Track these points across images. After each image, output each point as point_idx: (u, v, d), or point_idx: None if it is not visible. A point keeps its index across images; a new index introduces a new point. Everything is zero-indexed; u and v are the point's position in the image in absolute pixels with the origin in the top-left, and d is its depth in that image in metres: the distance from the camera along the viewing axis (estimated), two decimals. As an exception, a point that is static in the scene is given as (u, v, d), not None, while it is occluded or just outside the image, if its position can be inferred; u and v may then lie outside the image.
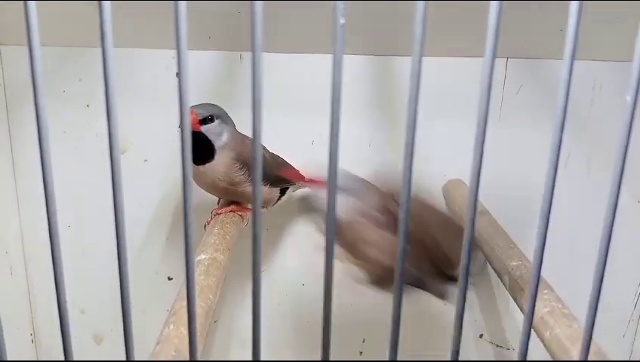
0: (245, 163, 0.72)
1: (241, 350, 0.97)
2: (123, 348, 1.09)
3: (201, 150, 0.69)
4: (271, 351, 0.95)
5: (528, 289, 0.43)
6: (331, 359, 0.38)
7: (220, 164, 0.70)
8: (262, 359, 0.37)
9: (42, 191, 0.99)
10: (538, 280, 0.38)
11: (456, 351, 0.40)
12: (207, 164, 0.70)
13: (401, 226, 0.36)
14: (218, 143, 0.70)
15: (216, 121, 0.70)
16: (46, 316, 0.94)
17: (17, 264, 0.90)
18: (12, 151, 0.86)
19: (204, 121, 0.69)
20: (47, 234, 0.94)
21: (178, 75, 0.90)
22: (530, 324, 0.39)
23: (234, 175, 0.71)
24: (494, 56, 0.34)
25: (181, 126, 0.34)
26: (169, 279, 0.93)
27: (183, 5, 0.32)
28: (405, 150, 0.36)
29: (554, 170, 0.37)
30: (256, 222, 0.35)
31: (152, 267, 0.92)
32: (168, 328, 0.43)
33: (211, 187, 0.72)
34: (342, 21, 0.32)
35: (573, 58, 0.34)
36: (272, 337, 0.95)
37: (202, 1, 0.72)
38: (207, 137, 0.69)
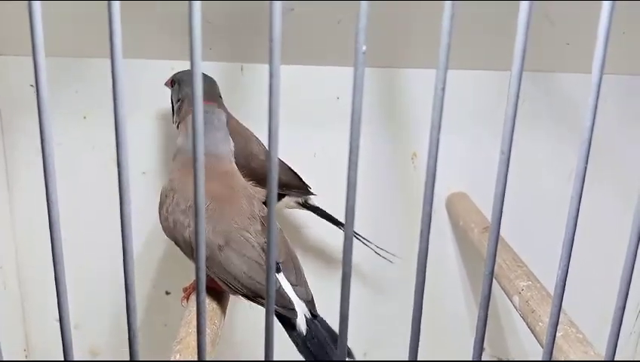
0: None
1: (236, 352, 0.95)
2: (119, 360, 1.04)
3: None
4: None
5: (545, 312, 0.42)
6: None
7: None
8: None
9: (36, 205, 0.96)
10: (559, 312, 0.37)
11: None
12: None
13: (423, 233, 0.35)
14: (175, 107, 0.75)
15: (176, 86, 0.74)
16: (39, 330, 0.92)
17: (11, 278, 0.88)
18: (6, 163, 0.84)
19: (172, 82, 0.74)
20: (41, 248, 0.92)
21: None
22: (550, 354, 0.38)
23: None
24: (521, 71, 0.33)
25: (194, 138, 0.32)
26: (167, 293, 0.92)
27: (197, 18, 0.31)
28: (428, 163, 0.34)
29: (578, 199, 0.35)
30: (271, 223, 0.33)
31: (150, 281, 0.90)
32: (175, 357, 0.42)
33: None
34: (364, 48, 0.31)
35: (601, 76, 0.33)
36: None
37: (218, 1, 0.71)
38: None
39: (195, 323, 0.46)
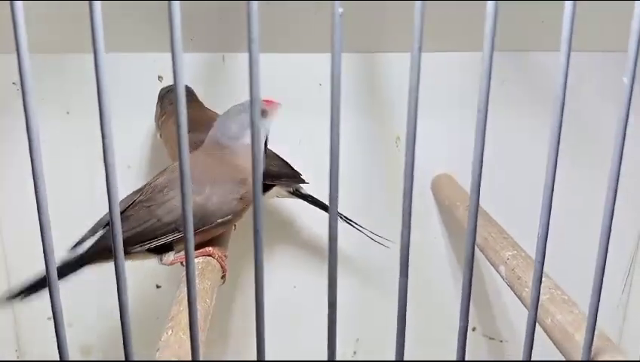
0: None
1: (234, 350, 0.96)
2: (112, 357, 1.05)
3: None
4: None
5: (531, 279, 0.43)
6: (326, 359, 0.37)
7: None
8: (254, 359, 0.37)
9: (23, 202, 0.95)
10: (542, 270, 0.38)
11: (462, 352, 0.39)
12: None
13: (405, 216, 0.36)
14: None
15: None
16: (31, 330, 0.92)
17: (0, 278, 0.87)
18: (-10, 162, 0.83)
19: None
20: (29, 247, 0.91)
21: (161, 78, 0.86)
22: (535, 311, 0.39)
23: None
24: (492, 52, 0.34)
25: (178, 130, 0.33)
26: (157, 287, 0.92)
27: (177, 7, 0.31)
28: (407, 145, 0.35)
29: (554, 163, 0.37)
30: (258, 216, 0.34)
31: (140, 275, 0.90)
32: (167, 334, 0.42)
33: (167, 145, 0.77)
34: (340, 10, 0.31)
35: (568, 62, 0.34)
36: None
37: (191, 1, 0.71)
38: None
39: (187, 301, 0.46)
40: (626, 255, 0.96)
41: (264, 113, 0.63)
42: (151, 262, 0.90)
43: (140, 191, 0.61)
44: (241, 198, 0.59)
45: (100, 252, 0.58)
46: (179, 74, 0.32)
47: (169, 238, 0.57)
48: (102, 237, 0.59)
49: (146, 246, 0.58)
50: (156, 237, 0.57)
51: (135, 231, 0.57)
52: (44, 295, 0.89)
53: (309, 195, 0.80)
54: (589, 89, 0.87)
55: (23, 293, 0.57)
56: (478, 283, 0.95)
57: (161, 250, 0.59)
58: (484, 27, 0.34)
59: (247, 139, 0.61)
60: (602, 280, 0.40)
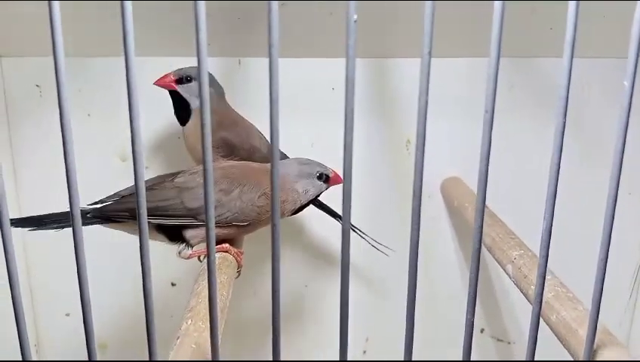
0: (226, 142, 0.72)
1: (246, 348, 0.97)
2: (127, 354, 1.07)
3: (180, 109, 0.74)
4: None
5: (535, 275, 0.44)
6: (335, 359, 0.39)
7: (193, 126, 0.73)
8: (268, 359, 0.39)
9: (43, 202, 0.98)
10: (545, 266, 0.39)
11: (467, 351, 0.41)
12: (186, 125, 0.74)
13: (414, 223, 0.37)
14: (194, 104, 0.73)
15: (194, 82, 0.72)
16: (49, 326, 0.94)
17: (20, 274, 0.90)
18: (14, 163, 0.86)
19: (180, 80, 0.72)
20: (49, 245, 0.93)
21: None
22: (539, 306, 0.40)
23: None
24: (499, 56, 0.36)
25: (202, 131, 0.35)
26: (172, 285, 0.94)
27: (202, 11, 0.34)
28: (417, 148, 0.37)
29: (557, 164, 0.38)
30: (275, 214, 0.36)
31: (155, 273, 0.92)
32: (187, 323, 0.45)
33: (191, 153, 0.75)
34: (355, 17, 0.33)
35: (571, 61, 0.36)
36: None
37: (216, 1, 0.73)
38: (182, 96, 0.73)
39: (204, 293, 0.48)
40: (633, 259, 0.97)
41: (326, 179, 0.67)
42: (167, 260, 0.92)
43: (173, 174, 0.65)
44: (259, 209, 0.63)
45: (120, 211, 0.62)
46: (204, 78, 0.34)
47: (180, 221, 0.61)
48: (124, 200, 0.63)
49: (158, 221, 0.61)
50: (171, 217, 0.61)
51: (155, 204, 0.60)
52: (62, 291, 0.91)
53: (317, 199, 0.82)
54: (597, 95, 0.89)
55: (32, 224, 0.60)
56: (487, 286, 0.96)
57: (169, 234, 0.62)
58: (492, 32, 0.36)
59: (298, 186, 0.65)
60: (605, 269, 0.41)
